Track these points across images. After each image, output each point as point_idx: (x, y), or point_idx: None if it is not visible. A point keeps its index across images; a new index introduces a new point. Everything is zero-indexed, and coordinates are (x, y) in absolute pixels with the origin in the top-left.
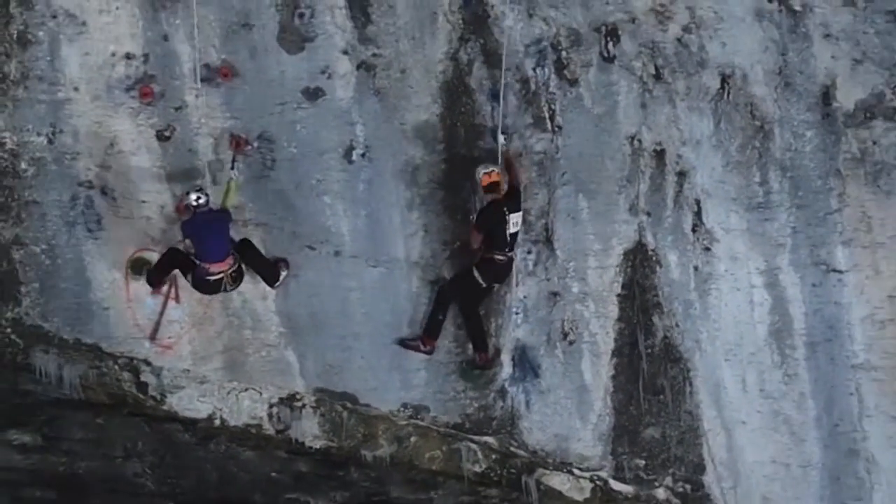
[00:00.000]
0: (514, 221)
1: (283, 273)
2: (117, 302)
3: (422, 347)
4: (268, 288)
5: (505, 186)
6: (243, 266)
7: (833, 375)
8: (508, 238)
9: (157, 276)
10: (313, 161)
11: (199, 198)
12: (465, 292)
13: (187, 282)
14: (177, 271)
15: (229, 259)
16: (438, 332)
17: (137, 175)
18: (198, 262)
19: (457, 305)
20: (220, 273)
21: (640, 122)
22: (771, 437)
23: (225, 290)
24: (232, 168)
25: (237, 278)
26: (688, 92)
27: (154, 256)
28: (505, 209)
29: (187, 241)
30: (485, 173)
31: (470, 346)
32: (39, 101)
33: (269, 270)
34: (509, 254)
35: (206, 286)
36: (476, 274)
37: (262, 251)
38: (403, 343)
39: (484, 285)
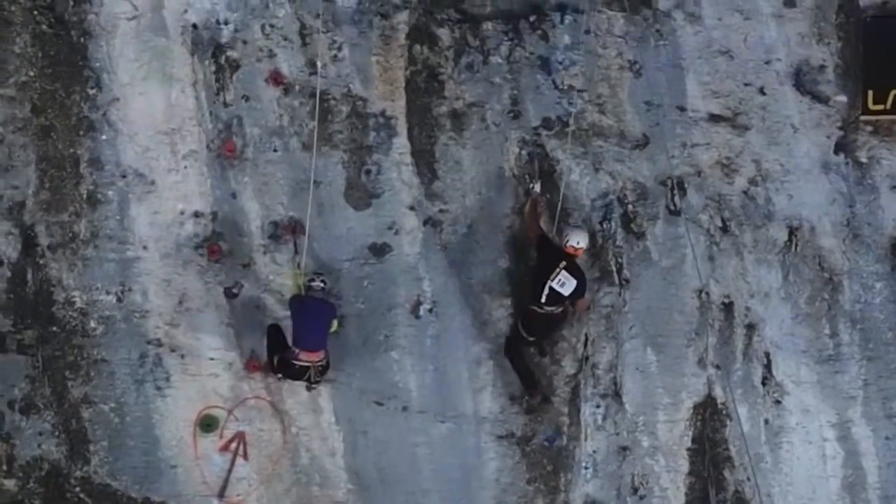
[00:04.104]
0: (560, 281)
1: None
2: (185, 459)
3: (532, 401)
4: (336, 444)
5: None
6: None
7: None
8: (547, 290)
9: (270, 356)
10: (381, 316)
11: (319, 283)
12: (515, 344)
13: (272, 365)
14: (245, 430)
15: (321, 352)
16: (531, 378)
17: (205, 332)
18: (291, 345)
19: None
20: (308, 363)
21: (708, 274)
22: None
23: (309, 381)
24: (296, 253)
25: (324, 371)
26: (755, 244)
27: (222, 413)
28: (563, 263)
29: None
30: (572, 245)
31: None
32: (109, 259)
33: None
34: (547, 309)
35: (290, 370)
36: (521, 328)
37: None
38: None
39: (530, 339)
